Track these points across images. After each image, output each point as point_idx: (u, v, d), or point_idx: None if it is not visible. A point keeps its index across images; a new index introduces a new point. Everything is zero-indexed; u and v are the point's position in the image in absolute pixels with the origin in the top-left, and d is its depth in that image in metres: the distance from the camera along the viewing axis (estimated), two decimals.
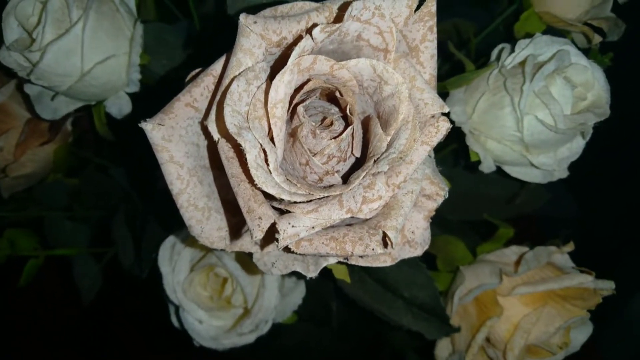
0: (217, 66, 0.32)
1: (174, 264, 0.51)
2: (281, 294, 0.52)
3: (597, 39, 0.55)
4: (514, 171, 0.51)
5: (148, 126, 0.31)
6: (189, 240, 0.51)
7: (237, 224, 0.34)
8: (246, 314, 0.52)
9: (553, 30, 0.56)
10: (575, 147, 0.48)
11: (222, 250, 0.34)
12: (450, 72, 0.59)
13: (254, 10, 0.32)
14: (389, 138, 0.30)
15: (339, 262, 0.35)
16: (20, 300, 0.90)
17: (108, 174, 0.65)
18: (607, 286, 0.52)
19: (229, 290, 0.51)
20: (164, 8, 0.62)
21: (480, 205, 0.63)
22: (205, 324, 0.52)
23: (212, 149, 0.33)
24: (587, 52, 0.54)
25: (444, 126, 0.31)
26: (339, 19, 0.31)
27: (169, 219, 0.53)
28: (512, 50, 0.48)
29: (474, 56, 0.59)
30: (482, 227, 0.65)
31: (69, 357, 0.91)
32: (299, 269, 0.34)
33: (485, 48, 0.59)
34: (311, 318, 0.61)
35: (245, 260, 0.50)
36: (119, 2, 0.48)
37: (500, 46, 0.49)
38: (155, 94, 0.56)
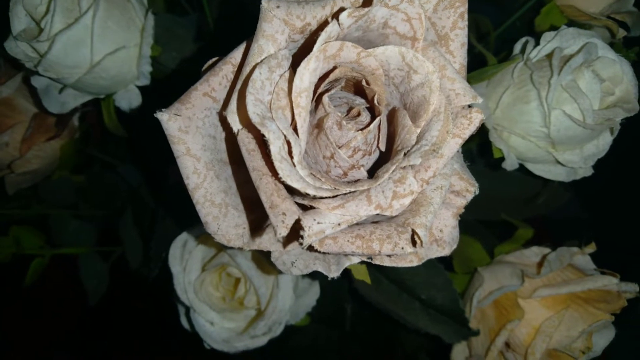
0: (237, 54, 0.31)
1: (185, 263, 0.49)
2: (295, 294, 0.51)
3: (621, 33, 0.53)
4: (537, 169, 0.49)
5: (164, 116, 0.29)
6: (202, 237, 0.49)
7: (254, 220, 0.33)
8: (259, 315, 0.50)
9: (575, 25, 0.54)
10: (602, 143, 0.46)
11: (239, 248, 0.32)
12: (470, 67, 0.58)
13: None
14: (418, 130, 0.29)
15: (362, 262, 0.34)
16: (25, 299, 0.89)
17: (115, 172, 0.63)
18: (631, 289, 0.51)
19: (242, 291, 0.50)
20: (172, 1, 0.61)
21: (497, 205, 0.62)
22: (217, 325, 0.51)
23: (231, 141, 0.32)
24: (611, 46, 0.53)
25: (477, 117, 0.29)
26: (365, 4, 0.30)
27: (181, 216, 0.52)
28: (537, 44, 0.46)
29: (493, 50, 0.58)
30: (497, 227, 0.63)
31: (74, 356, 0.90)
32: (320, 269, 0.32)
33: (501, 44, 0.57)
34: (324, 320, 0.59)
35: (259, 260, 0.48)
36: None
37: (524, 39, 0.48)
38: (165, 88, 0.54)
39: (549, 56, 0.44)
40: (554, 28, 0.51)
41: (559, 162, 0.46)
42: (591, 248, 0.53)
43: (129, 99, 0.50)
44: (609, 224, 1.01)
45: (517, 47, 0.48)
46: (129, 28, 0.47)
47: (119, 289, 0.68)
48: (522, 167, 0.51)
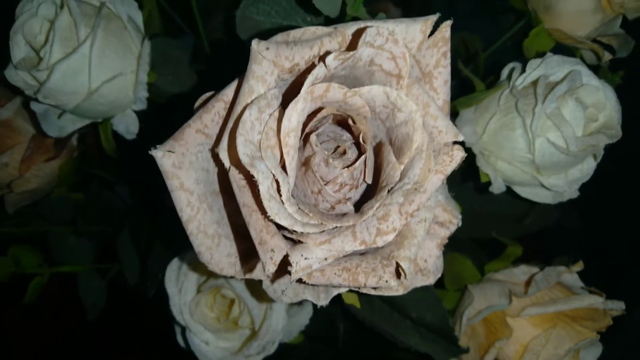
0: (229, 91, 0.32)
1: (181, 285, 0.50)
2: (288, 314, 0.52)
3: (607, 56, 0.54)
4: (524, 192, 0.51)
5: (158, 154, 0.30)
6: (194, 264, 0.51)
7: (246, 249, 0.34)
8: (253, 335, 0.51)
9: (562, 47, 0.55)
10: (587, 168, 0.47)
11: (231, 277, 0.33)
12: (458, 89, 0.59)
13: (264, 34, 0.31)
14: (402, 167, 0.30)
15: (350, 291, 0.35)
16: (24, 315, 0.90)
17: (113, 190, 0.64)
18: (617, 307, 0.52)
19: (236, 312, 0.51)
20: (170, 22, 0.62)
21: (488, 224, 0.63)
22: (212, 345, 0.52)
23: (223, 175, 0.33)
24: (596, 69, 0.54)
25: (459, 155, 0.30)
26: (352, 44, 0.31)
27: (175, 240, 0.53)
28: (523, 70, 0.48)
29: (482, 72, 0.59)
30: (489, 245, 0.64)
31: None
32: (309, 298, 0.33)
33: (493, 63, 0.58)
34: (318, 338, 0.61)
35: (252, 283, 0.50)
36: (127, 20, 0.48)
37: (510, 65, 0.49)
38: (161, 109, 0.55)
39: (534, 83, 0.45)
40: (540, 53, 0.52)
41: (544, 186, 0.48)
42: (579, 267, 0.54)
43: (126, 123, 0.51)
44: (601, 235, 1.02)
45: (505, 72, 0.50)
46: (126, 55, 0.48)
47: (117, 304, 0.69)
48: (510, 189, 0.52)
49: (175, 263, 0.50)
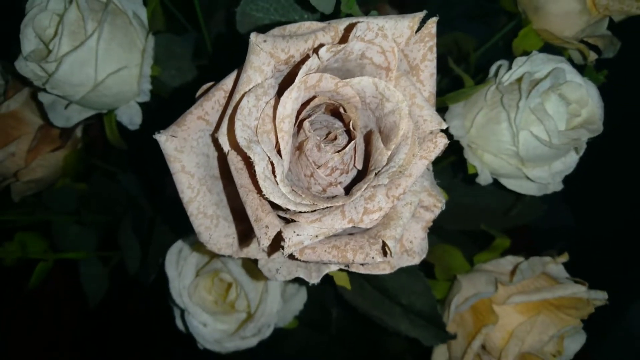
0: (228, 81, 0.34)
1: (181, 269, 0.52)
2: (283, 299, 0.54)
3: (592, 56, 0.56)
4: (510, 184, 0.53)
5: (162, 137, 0.32)
6: (196, 245, 0.53)
7: (243, 231, 0.36)
8: (249, 318, 0.53)
9: (550, 47, 0.58)
10: (569, 161, 0.50)
11: (229, 256, 0.36)
12: (450, 86, 0.61)
13: (262, 28, 0.34)
14: (389, 152, 0.32)
15: (340, 270, 0.37)
16: (26, 302, 0.92)
17: (116, 180, 0.66)
18: (600, 296, 0.54)
19: (233, 295, 0.53)
20: (173, 19, 0.64)
21: (477, 216, 0.65)
22: (209, 327, 0.54)
23: (222, 159, 0.35)
24: (582, 68, 0.56)
25: (442, 142, 0.33)
26: (344, 38, 0.33)
27: (178, 225, 0.55)
28: (510, 67, 0.50)
29: (473, 70, 0.61)
30: (480, 238, 0.67)
31: (74, 357, 0.92)
32: (302, 276, 0.35)
33: (485, 63, 0.60)
34: (312, 323, 0.63)
35: (249, 266, 0.52)
36: (132, 16, 0.50)
37: (498, 63, 0.51)
38: (164, 102, 0.58)
39: (519, 80, 0.47)
40: (528, 52, 0.54)
41: (529, 178, 0.50)
42: (564, 258, 0.56)
43: (130, 114, 0.53)
44: (592, 233, 1.05)
45: (492, 69, 0.52)
46: (131, 49, 0.50)
47: (118, 292, 0.71)
48: (497, 182, 0.54)
49: (175, 247, 0.52)
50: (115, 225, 0.67)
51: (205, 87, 0.36)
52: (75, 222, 0.69)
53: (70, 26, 0.47)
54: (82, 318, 0.90)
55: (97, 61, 0.48)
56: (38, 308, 0.93)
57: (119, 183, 0.66)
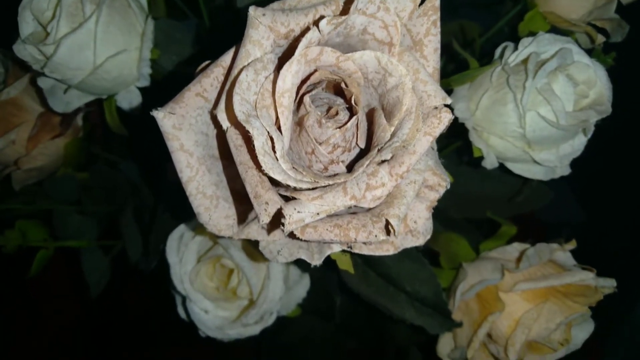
0: (227, 58, 0.33)
1: (182, 255, 0.52)
2: (286, 286, 0.53)
3: (600, 39, 0.55)
4: (516, 168, 0.52)
5: (159, 114, 0.32)
6: (198, 228, 0.52)
7: (244, 212, 0.35)
8: (251, 305, 0.53)
9: (557, 30, 0.57)
10: (577, 144, 0.49)
11: (229, 237, 0.35)
12: (456, 71, 0.60)
13: (262, 3, 0.33)
14: (392, 128, 0.31)
15: (343, 251, 0.36)
16: (28, 293, 0.91)
17: (117, 168, 0.66)
18: (609, 284, 0.53)
19: (234, 282, 0.52)
20: (173, 6, 0.63)
21: (483, 204, 0.64)
22: (211, 314, 0.53)
23: (221, 138, 0.34)
24: (590, 52, 0.55)
25: (446, 117, 0.32)
26: (345, 12, 0.32)
27: (179, 210, 0.54)
28: (516, 49, 0.49)
29: (478, 56, 0.60)
30: (485, 225, 0.66)
31: (76, 347, 0.92)
32: (303, 257, 0.34)
33: (491, 48, 0.59)
34: (315, 311, 0.62)
35: (251, 253, 0.51)
36: None
37: (503, 44, 0.50)
38: (164, 88, 0.57)
39: (526, 61, 0.46)
40: (534, 34, 0.53)
41: (536, 162, 0.49)
42: (571, 245, 0.55)
43: (130, 99, 0.53)
44: (603, 224, 1.03)
45: (498, 52, 0.51)
46: (130, 32, 0.49)
47: (120, 281, 0.71)
48: (503, 167, 0.54)
49: (176, 232, 0.52)
50: (117, 214, 0.66)
51: (204, 64, 0.35)
52: (76, 211, 0.68)
53: (68, 8, 0.46)
54: (84, 307, 0.90)
55: (96, 44, 0.47)
56: (39, 298, 0.93)
57: (120, 171, 0.65)
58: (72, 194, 0.68)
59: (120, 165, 0.65)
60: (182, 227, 0.52)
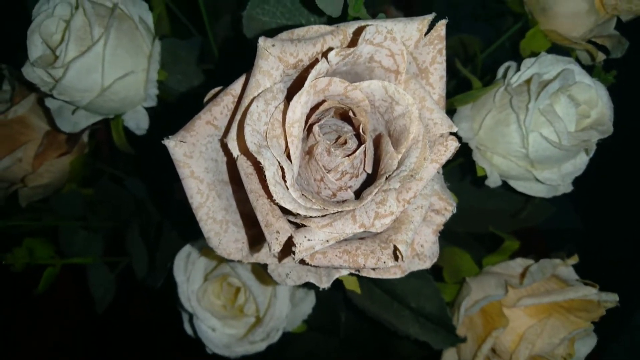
0: (237, 86, 0.34)
1: (189, 274, 0.52)
2: (292, 303, 0.54)
3: (600, 57, 0.56)
4: (519, 185, 0.52)
5: (171, 143, 0.32)
6: (205, 249, 0.53)
7: (253, 236, 0.36)
8: (258, 322, 0.53)
9: (558, 48, 0.57)
10: (579, 163, 0.49)
11: (238, 261, 0.35)
12: (457, 88, 0.61)
13: (270, 32, 0.33)
14: (399, 156, 0.32)
15: (351, 274, 0.37)
16: (34, 308, 0.92)
17: (122, 185, 0.66)
18: (611, 298, 0.53)
19: (241, 300, 0.53)
20: (178, 23, 0.64)
21: (486, 219, 0.65)
22: (218, 332, 0.54)
23: (231, 164, 0.35)
24: (591, 69, 0.55)
25: (453, 145, 0.32)
26: (352, 42, 0.33)
27: (186, 229, 0.55)
28: (518, 69, 0.49)
29: (480, 71, 0.61)
30: (488, 240, 0.66)
31: None
32: (312, 280, 0.35)
33: (492, 63, 0.60)
34: (320, 327, 0.62)
35: (258, 271, 0.51)
36: (138, 21, 0.50)
37: (506, 64, 0.51)
38: (171, 108, 0.58)
39: (528, 82, 0.47)
40: (535, 53, 0.54)
41: (538, 180, 0.49)
42: (573, 260, 0.56)
43: (137, 119, 0.53)
44: (602, 234, 1.04)
45: (500, 71, 0.52)
46: (137, 54, 0.50)
47: (126, 297, 0.71)
48: (506, 184, 0.54)
49: (184, 252, 0.52)
50: (123, 230, 0.67)
51: (213, 91, 0.36)
52: (82, 227, 0.69)
53: (76, 32, 0.47)
54: (89, 323, 0.90)
55: (104, 66, 0.48)
56: (45, 313, 0.93)
57: (126, 188, 0.66)
58: (77, 209, 0.68)
59: (125, 182, 0.65)
60: (188, 247, 0.53)
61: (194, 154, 0.33)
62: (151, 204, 0.63)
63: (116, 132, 0.55)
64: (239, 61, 0.44)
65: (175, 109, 0.57)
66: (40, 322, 0.94)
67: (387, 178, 0.31)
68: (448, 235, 0.63)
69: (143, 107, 0.53)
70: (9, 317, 0.93)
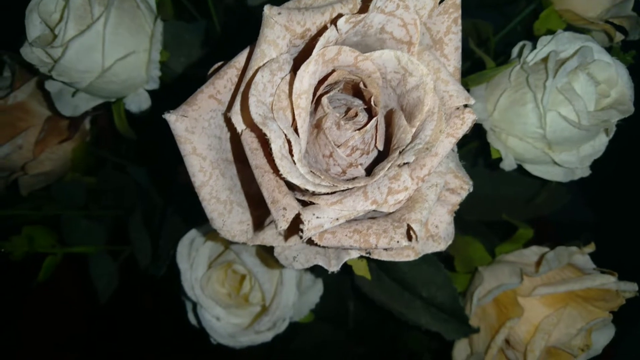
0: (241, 58, 0.32)
1: (192, 261, 0.51)
2: (299, 291, 0.52)
3: (618, 37, 0.54)
4: (535, 169, 0.50)
5: (171, 117, 0.31)
6: (210, 233, 0.51)
7: (258, 217, 0.34)
8: (264, 311, 0.52)
9: (573, 29, 0.55)
10: (599, 144, 0.47)
11: (243, 243, 0.34)
12: (471, 70, 0.59)
13: (276, 2, 0.32)
14: (413, 130, 0.30)
15: (361, 257, 0.35)
16: (36, 298, 0.91)
17: (125, 172, 0.65)
18: (630, 288, 0.51)
19: (247, 287, 0.51)
20: (181, 7, 0.62)
21: (498, 206, 0.63)
22: (222, 321, 0.52)
23: (235, 141, 0.33)
24: (608, 50, 0.54)
25: (470, 118, 0.30)
26: (363, 10, 0.31)
27: (189, 215, 0.53)
28: (534, 48, 0.48)
29: (492, 55, 0.59)
30: (499, 228, 0.64)
31: (84, 353, 0.92)
32: (320, 263, 0.33)
33: (503, 48, 0.58)
34: (328, 317, 0.61)
35: (264, 258, 0.50)
36: (140, 0, 0.49)
37: (521, 43, 0.49)
38: (173, 91, 0.56)
39: (545, 60, 0.45)
40: (552, 32, 0.52)
41: (556, 163, 0.47)
42: (590, 248, 0.54)
43: (139, 102, 0.52)
44: (615, 226, 1.02)
45: (515, 50, 0.50)
46: (139, 34, 0.48)
47: (128, 287, 0.70)
48: (521, 168, 0.52)
49: (187, 238, 0.51)
50: (125, 218, 0.65)
51: (216, 65, 0.34)
52: (84, 216, 0.67)
53: (76, 10, 0.46)
54: (92, 313, 0.89)
55: (105, 46, 0.46)
56: (47, 304, 0.92)
57: (129, 175, 0.64)
58: (79, 198, 0.67)
59: (128, 169, 0.64)
60: (193, 232, 0.51)
61: (196, 129, 0.31)
62: (154, 190, 0.62)
63: (118, 116, 0.53)
64: (241, 39, 0.43)
65: (178, 93, 0.55)
66: (44, 313, 0.94)
67: (400, 152, 0.29)
68: (459, 224, 0.61)
69: (145, 89, 0.51)
70: (13, 307, 0.92)
